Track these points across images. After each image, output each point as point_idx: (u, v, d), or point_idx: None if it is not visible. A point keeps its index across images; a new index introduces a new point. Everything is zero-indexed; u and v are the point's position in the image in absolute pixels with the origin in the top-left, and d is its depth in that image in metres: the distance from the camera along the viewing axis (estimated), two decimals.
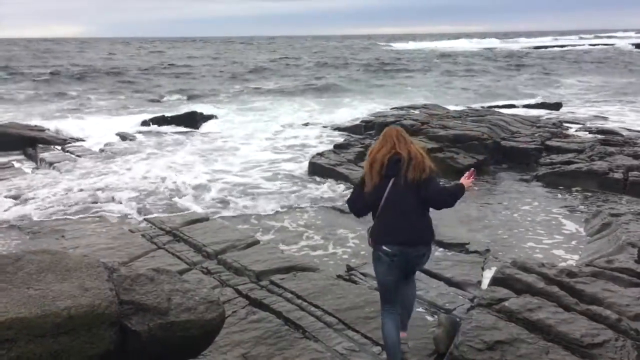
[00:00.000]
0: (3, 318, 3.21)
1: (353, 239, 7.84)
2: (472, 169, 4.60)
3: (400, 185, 4.17)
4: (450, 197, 4.31)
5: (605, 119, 19.18)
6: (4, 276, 3.61)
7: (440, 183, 4.49)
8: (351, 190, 4.89)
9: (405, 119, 14.97)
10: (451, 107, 19.66)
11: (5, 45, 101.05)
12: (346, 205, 4.74)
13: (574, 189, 10.33)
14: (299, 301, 5.51)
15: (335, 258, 7.28)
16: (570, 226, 8.42)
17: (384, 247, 4.18)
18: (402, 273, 4.29)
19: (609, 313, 4.53)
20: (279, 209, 9.34)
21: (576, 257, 7.18)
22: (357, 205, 4.37)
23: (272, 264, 6.41)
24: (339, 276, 6.24)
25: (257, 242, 7.31)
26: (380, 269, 4.29)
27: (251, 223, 8.69)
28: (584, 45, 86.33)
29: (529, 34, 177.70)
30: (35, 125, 17.10)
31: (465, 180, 4.41)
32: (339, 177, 11.12)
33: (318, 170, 11.70)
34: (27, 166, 12.58)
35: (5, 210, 8.99)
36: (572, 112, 20.95)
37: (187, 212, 8.85)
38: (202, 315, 3.84)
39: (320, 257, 7.32)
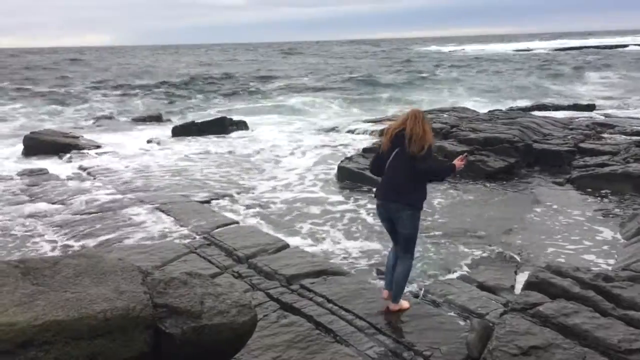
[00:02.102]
0: (41, 321, 3.28)
1: (384, 242, 7.80)
2: (464, 154, 5.58)
3: (400, 154, 5.06)
4: (437, 174, 5.39)
5: None
6: (42, 279, 3.69)
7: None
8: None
9: (434, 122, 14.86)
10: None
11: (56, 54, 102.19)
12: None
13: (608, 191, 10.12)
14: (330, 305, 5.50)
15: (366, 262, 7.25)
16: (605, 230, 8.25)
17: (376, 200, 5.30)
18: (389, 223, 5.24)
19: None
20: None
21: (612, 261, 7.03)
22: (372, 166, 5.52)
23: (302, 268, 6.41)
24: (369, 280, 6.23)
25: (287, 246, 7.32)
26: (378, 215, 5.43)
27: (281, 227, 8.72)
28: None
29: (566, 35, 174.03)
30: (70, 132, 17.49)
31: (457, 161, 5.22)
32: (368, 181, 11.08)
33: (347, 174, 11.69)
34: (61, 172, 12.82)
35: (41, 215, 9.20)
36: (607, 114, 20.55)
37: (218, 215, 8.91)
38: (234, 319, 3.85)
39: (350, 261, 7.31)
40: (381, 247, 7.66)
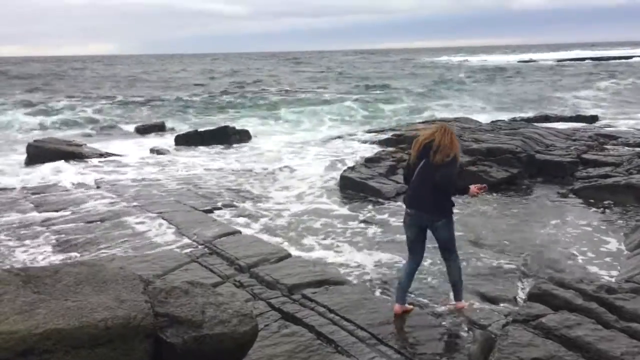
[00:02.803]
0: (42, 329, 3.28)
1: (386, 253, 7.79)
2: (485, 185, 5.58)
3: (427, 165, 5.23)
4: (450, 187, 5.29)
5: None
6: (43, 288, 3.69)
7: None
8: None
9: None
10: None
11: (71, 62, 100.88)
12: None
13: (611, 203, 10.08)
14: (331, 315, 5.48)
15: (368, 272, 7.22)
16: (608, 241, 8.21)
17: (407, 209, 5.46)
18: (419, 231, 5.43)
19: None
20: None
21: (615, 272, 7.00)
22: (403, 176, 5.69)
23: (304, 277, 6.40)
24: (371, 290, 6.20)
25: (289, 255, 7.30)
26: (404, 225, 5.56)
27: (283, 237, 8.71)
28: None
29: (569, 46, 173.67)
30: (73, 141, 17.55)
31: (473, 188, 5.36)
32: (371, 191, 11.08)
33: (349, 184, 11.68)
34: (63, 180, 12.82)
35: (42, 223, 9.20)
36: (610, 125, 20.53)
37: (220, 224, 8.91)
38: (235, 328, 3.85)
39: (352, 271, 7.28)
40: (385, 258, 7.63)
